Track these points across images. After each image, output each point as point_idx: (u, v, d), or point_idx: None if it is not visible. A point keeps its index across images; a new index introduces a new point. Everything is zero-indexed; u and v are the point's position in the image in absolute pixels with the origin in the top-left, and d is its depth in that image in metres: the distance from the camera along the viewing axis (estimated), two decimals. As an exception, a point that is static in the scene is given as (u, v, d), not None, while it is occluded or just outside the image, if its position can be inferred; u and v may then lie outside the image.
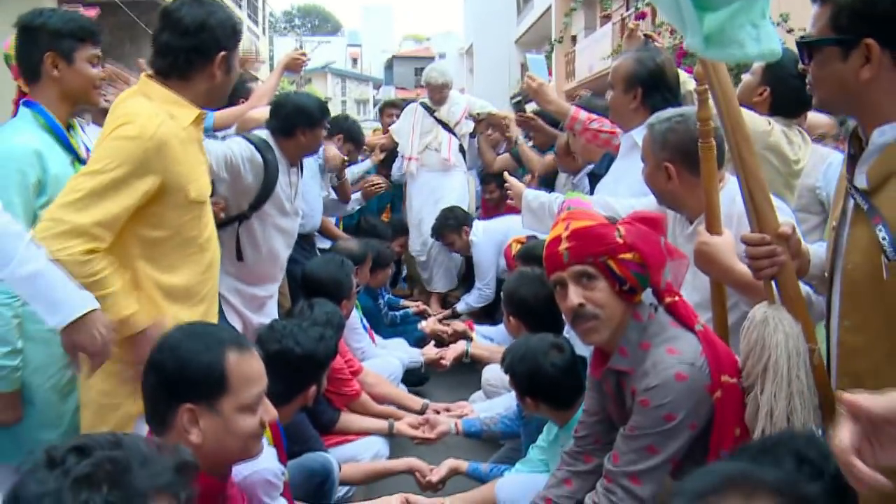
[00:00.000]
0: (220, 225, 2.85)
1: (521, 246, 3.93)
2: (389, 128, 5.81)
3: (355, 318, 3.99)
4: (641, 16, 7.09)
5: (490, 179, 5.69)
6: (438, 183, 5.47)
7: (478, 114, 5.47)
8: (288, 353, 2.50)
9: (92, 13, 3.89)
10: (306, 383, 2.55)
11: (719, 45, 0.77)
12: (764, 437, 1.58)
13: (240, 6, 19.70)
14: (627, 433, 1.86)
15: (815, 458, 1.23)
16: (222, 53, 2.19)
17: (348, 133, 5.05)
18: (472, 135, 5.64)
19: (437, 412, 3.49)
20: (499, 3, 26.55)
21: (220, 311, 2.61)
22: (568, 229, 1.90)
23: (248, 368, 1.66)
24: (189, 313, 2.15)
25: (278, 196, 3.28)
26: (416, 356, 4.23)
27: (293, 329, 2.59)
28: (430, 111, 5.55)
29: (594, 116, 3.55)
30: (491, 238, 4.89)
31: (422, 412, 3.53)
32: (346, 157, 4.73)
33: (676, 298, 1.94)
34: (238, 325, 3.13)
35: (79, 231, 1.92)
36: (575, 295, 1.89)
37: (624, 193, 2.77)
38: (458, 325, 4.75)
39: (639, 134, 2.80)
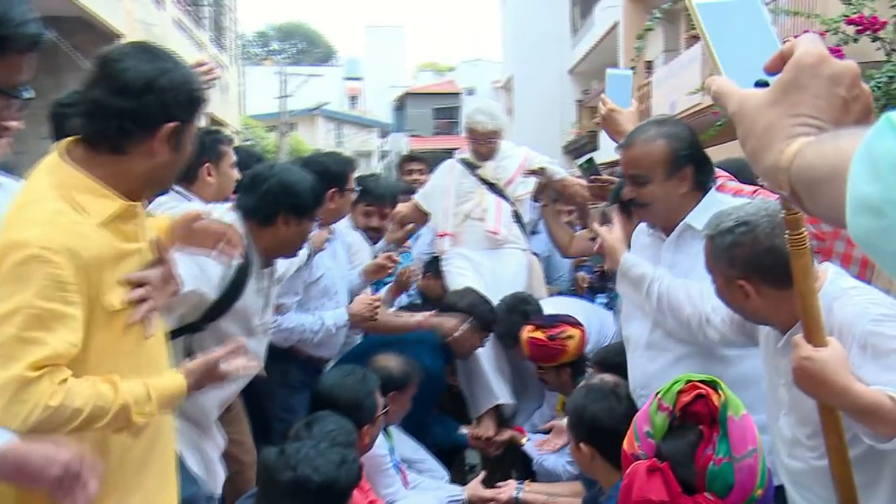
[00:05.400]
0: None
1: (600, 350, 3.73)
2: (414, 195, 5.00)
3: (385, 458, 3.57)
4: None
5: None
6: (486, 267, 4.52)
7: (540, 168, 4.81)
8: (305, 483, 2.49)
9: None
10: (326, 518, 2.51)
11: None
12: None
13: (201, 26, 18.42)
14: None
15: None
16: (171, 125, 1.92)
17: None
18: (534, 199, 4.87)
19: None
20: (547, 23, 23.30)
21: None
22: None
23: None
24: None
25: (243, 310, 2.84)
26: (457, 494, 3.79)
27: (308, 453, 2.56)
28: (472, 168, 4.68)
29: (742, 186, 2.96)
30: None
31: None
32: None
33: None
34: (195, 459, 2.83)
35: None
36: None
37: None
38: (506, 433, 4.29)
39: (696, 218, 2.67)
